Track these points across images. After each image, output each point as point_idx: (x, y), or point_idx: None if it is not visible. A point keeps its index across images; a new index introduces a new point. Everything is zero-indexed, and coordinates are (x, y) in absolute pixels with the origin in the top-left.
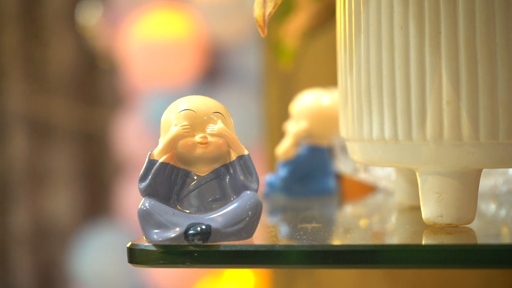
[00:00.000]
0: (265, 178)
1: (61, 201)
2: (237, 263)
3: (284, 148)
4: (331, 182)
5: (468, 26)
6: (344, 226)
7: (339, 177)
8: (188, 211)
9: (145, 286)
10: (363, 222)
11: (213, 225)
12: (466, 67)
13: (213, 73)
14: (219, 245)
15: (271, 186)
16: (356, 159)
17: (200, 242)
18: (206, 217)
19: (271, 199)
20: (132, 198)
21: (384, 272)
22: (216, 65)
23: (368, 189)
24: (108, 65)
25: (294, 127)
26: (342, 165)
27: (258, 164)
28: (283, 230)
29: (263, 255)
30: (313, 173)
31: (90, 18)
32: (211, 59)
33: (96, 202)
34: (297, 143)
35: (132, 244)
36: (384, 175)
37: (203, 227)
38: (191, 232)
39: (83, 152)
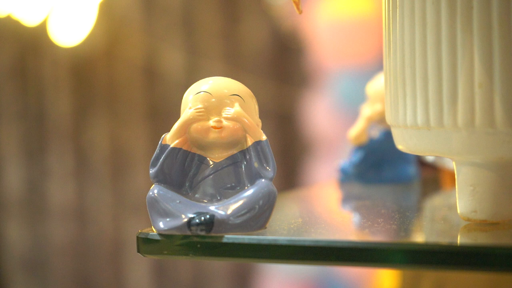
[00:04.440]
0: (339, 163)
1: None
2: (240, 256)
3: (356, 132)
4: (411, 170)
5: (501, 0)
6: (373, 219)
7: (425, 165)
8: (201, 199)
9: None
10: (402, 216)
11: (218, 215)
12: (499, 46)
13: None
14: (222, 237)
15: (344, 172)
16: (398, 146)
17: (203, 233)
18: (214, 206)
19: (344, 186)
20: (321, 177)
21: None
22: None
23: None
24: (296, 44)
25: (368, 110)
26: None
27: None
28: (310, 221)
29: (265, 248)
30: (390, 160)
31: None
32: None
33: (287, 180)
34: (369, 127)
35: (140, 233)
36: None
37: (207, 217)
38: (194, 222)
39: (275, 130)
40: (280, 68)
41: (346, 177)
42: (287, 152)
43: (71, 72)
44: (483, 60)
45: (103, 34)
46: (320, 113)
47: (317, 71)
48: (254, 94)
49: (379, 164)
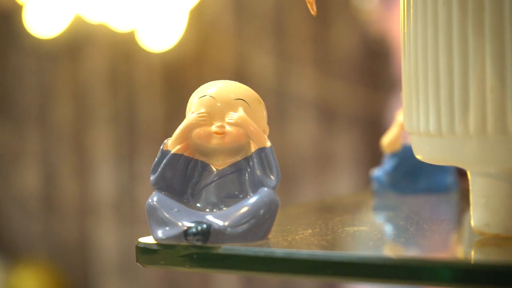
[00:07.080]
0: (372, 172)
1: (342, 184)
2: (236, 268)
3: (390, 138)
4: (448, 179)
5: None
6: (382, 231)
7: (464, 174)
8: (203, 207)
9: None
10: (420, 228)
11: (216, 224)
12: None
13: None
14: (219, 248)
15: (378, 181)
16: (416, 156)
17: (199, 243)
18: (213, 216)
19: (377, 196)
20: None
21: None
22: None
23: None
24: (385, 49)
25: (402, 116)
26: None
27: None
28: (319, 232)
29: (261, 261)
30: (426, 168)
31: (367, 1)
32: None
33: None
34: (403, 133)
35: (139, 242)
36: None
37: (204, 226)
38: (190, 231)
39: (364, 136)
40: (369, 73)
41: (381, 186)
42: (376, 158)
43: (162, 77)
44: (495, 63)
45: (194, 39)
46: None
47: None
48: (343, 100)
49: (414, 173)
